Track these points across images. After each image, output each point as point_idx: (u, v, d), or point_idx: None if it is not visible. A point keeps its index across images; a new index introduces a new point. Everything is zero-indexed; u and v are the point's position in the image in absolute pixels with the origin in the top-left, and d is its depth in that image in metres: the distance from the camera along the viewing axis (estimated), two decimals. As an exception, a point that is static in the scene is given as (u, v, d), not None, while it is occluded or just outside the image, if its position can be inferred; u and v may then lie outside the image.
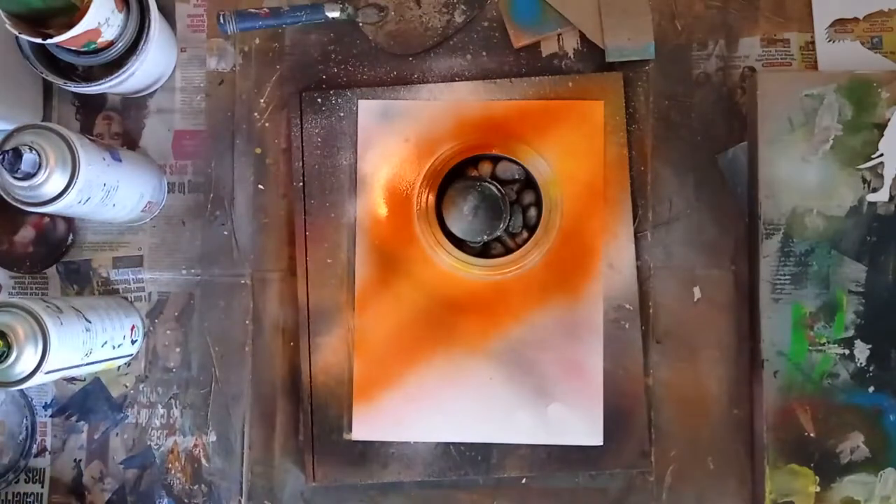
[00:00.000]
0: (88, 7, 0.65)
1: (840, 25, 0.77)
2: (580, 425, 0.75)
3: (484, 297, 0.76)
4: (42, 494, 0.78)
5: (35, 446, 0.79)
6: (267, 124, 0.79)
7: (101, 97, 0.80)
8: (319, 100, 0.78)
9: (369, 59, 0.79)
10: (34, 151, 0.63)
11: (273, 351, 0.78)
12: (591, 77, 0.77)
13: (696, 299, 0.76)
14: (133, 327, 0.76)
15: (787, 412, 0.72)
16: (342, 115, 0.77)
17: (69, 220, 0.79)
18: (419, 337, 0.76)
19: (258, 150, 0.79)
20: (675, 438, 0.76)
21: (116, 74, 0.72)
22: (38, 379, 0.65)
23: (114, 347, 0.73)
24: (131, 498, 0.78)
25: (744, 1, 0.78)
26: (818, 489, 0.72)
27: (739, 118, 0.77)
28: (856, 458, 0.72)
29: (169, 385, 0.79)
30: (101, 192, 0.68)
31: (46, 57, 0.72)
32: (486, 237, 0.74)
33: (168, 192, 0.79)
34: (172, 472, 0.78)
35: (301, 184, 0.77)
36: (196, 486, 0.78)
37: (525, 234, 0.76)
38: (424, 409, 0.75)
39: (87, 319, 0.69)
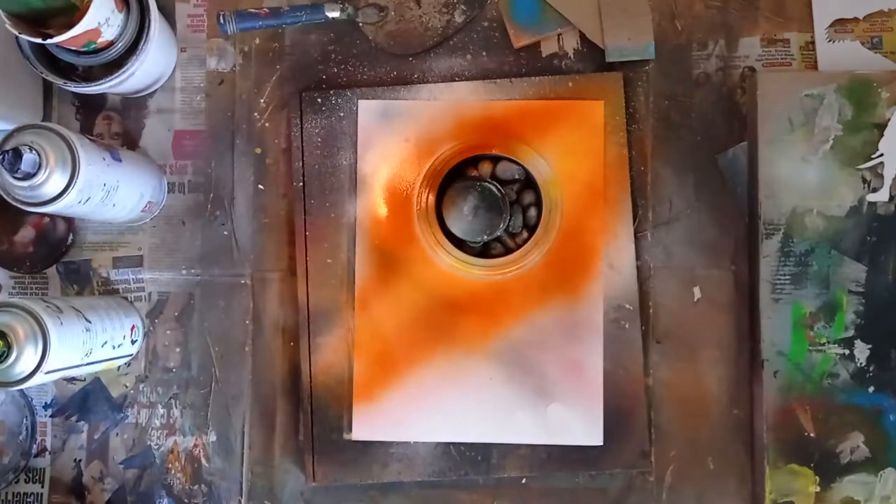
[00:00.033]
0: (88, 7, 0.65)
1: (840, 25, 0.77)
2: (580, 425, 0.75)
3: (484, 297, 0.76)
4: (42, 494, 0.78)
5: (35, 446, 0.79)
6: (267, 124, 0.79)
7: (101, 97, 0.80)
8: (319, 100, 0.78)
9: (369, 59, 0.79)
10: (34, 151, 0.63)
11: (273, 351, 0.78)
12: (591, 77, 0.77)
13: (696, 299, 0.76)
14: (133, 327, 0.76)
15: (787, 412, 0.72)
16: (342, 115, 0.77)
17: (69, 220, 0.79)
18: (419, 337, 0.76)
19: (258, 150, 0.79)
20: (675, 438, 0.76)
21: (116, 74, 0.72)
22: (38, 379, 0.65)
23: (114, 347, 0.73)
24: (131, 498, 0.78)
25: (744, 1, 0.78)
26: (818, 489, 0.72)
27: (739, 118, 0.77)
28: (856, 458, 0.72)
29: (169, 385, 0.79)
30: (101, 192, 0.68)
31: (46, 57, 0.72)
32: (486, 237, 0.74)
33: (168, 192, 0.79)
34: (172, 472, 0.78)
35: (301, 184, 0.77)
36: (196, 486, 0.78)
37: (525, 234, 0.76)
38: (424, 409, 0.75)
39: (87, 319, 0.69)
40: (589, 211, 0.75)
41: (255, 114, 0.79)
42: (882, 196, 0.72)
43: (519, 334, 0.75)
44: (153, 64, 0.75)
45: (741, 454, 0.75)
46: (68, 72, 0.73)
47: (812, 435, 0.72)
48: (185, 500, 0.78)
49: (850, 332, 0.72)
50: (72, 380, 0.79)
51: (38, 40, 0.66)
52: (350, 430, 0.76)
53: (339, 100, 0.77)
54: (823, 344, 0.72)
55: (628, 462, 0.75)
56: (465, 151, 0.76)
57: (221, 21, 0.76)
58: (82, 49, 0.69)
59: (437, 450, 0.76)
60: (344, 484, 0.76)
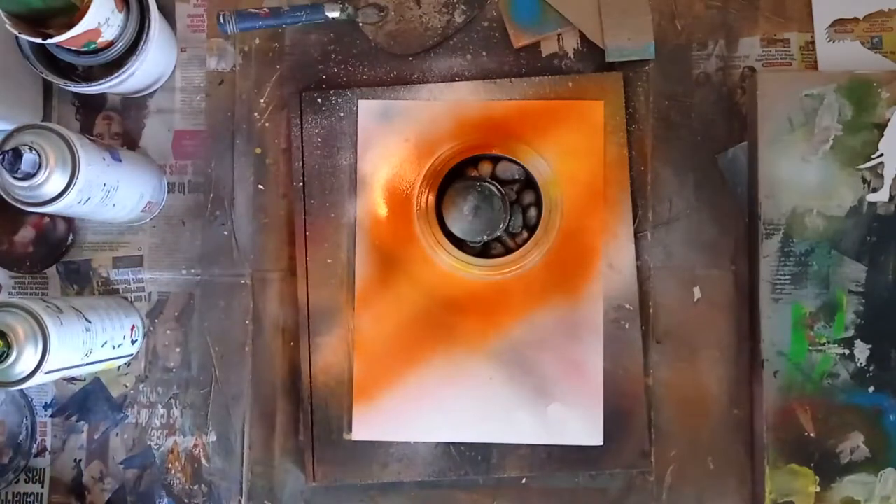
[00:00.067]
0: (88, 7, 0.65)
1: (840, 25, 0.77)
2: (580, 425, 0.75)
3: (484, 297, 0.76)
4: (42, 494, 0.78)
5: (35, 446, 0.79)
6: (267, 124, 0.79)
7: (101, 97, 0.80)
8: (319, 100, 0.78)
9: (369, 59, 0.79)
10: (34, 151, 0.63)
11: (273, 351, 0.78)
12: (591, 77, 0.77)
13: (696, 299, 0.76)
14: (133, 327, 0.76)
15: (787, 412, 0.72)
16: (342, 115, 0.77)
17: (69, 220, 0.79)
18: (419, 337, 0.76)
19: (258, 150, 0.79)
20: (675, 438, 0.76)
21: (116, 74, 0.72)
22: (38, 379, 0.65)
23: (114, 347, 0.73)
24: (131, 498, 0.78)
25: (744, 1, 0.78)
26: (818, 489, 0.72)
27: (739, 118, 0.77)
28: (856, 458, 0.72)
29: (169, 385, 0.79)
30: (101, 192, 0.68)
31: (46, 57, 0.72)
32: (486, 237, 0.74)
33: (168, 192, 0.79)
34: (172, 472, 0.78)
35: (301, 184, 0.77)
36: (196, 486, 0.78)
37: (525, 234, 0.76)
38: (424, 409, 0.75)
39: (87, 319, 0.69)
40: (589, 211, 0.75)
41: (255, 114, 0.79)
42: (882, 196, 0.72)
43: (519, 334, 0.75)
44: (153, 64, 0.75)
45: (741, 454, 0.75)
46: (68, 72, 0.73)
47: (812, 435, 0.72)
48: (185, 500, 0.78)
49: (850, 332, 0.72)
50: (72, 380, 0.79)
51: (38, 40, 0.66)
52: (350, 430, 0.76)
53: (339, 100, 0.77)
54: (823, 344, 0.72)
55: (628, 462, 0.75)
56: (465, 151, 0.76)
57: (221, 21, 0.76)
58: (82, 49, 0.69)
59: (437, 450, 0.76)
60: (344, 484, 0.76)
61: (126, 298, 0.79)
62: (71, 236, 0.79)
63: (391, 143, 0.77)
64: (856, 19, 0.77)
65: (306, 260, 0.77)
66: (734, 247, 0.76)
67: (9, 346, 0.63)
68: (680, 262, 0.77)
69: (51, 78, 0.72)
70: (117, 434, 0.78)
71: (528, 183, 0.77)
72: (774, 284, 0.73)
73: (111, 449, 0.78)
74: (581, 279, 0.75)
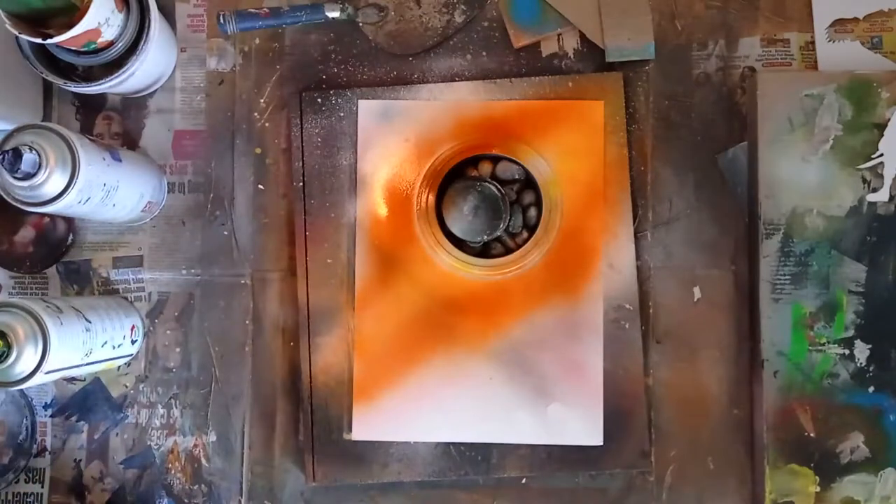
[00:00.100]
0: (88, 7, 0.65)
1: (840, 25, 0.77)
2: (580, 425, 0.75)
3: (484, 297, 0.76)
4: (42, 494, 0.78)
5: (35, 446, 0.79)
6: (267, 124, 0.79)
7: (101, 97, 0.80)
8: (319, 100, 0.78)
9: (369, 59, 0.79)
10: (34, 151, 0.63)
11: (273, 351, 0.78)
12: (591, 77, 0.77)
13: (696, 299, 0.76)
14: (133, 327, 0.76)
15: (787, 412, 0.72)
16: (342, 115, 0.77)
17: (69, 220, 0.79)
18: (419, 337, 0.76)
19: (258, 150, 0.79)
20: (675, 438, 0.76)
21: (116, 74, 0.72)
22: (38, 379, 0.65)
23: (114, 347, 0.73)
24: (131, 498, 0.78)
25: (744, 1, 0.78)
26: (818, 489, 0.72)
27: (739, 118, 0.77)
28: (856, 458, 0.72)
29: (169, 385, 0.79)
30: (101, 192, 0.68)
31: (46, 57, 0.72)
32: (486, 237, 0.74)
33: (168, 192, 0.79)
34: (172, 472, 0.78)
35: (301, 184, 0.77)
36: (196, 486, 0.78)
37: (525, 234, 0.76)
38: (424, 409, 0.75)
39: (87, 319, 0.69)
40: (589, 211, 0.75)
41: (255, 114, 0.79)
42: (882, 196, 0.72)
43: (519, 334, 0.75)
44: (153, 64, 0.75)
45: (741, 454, 0.75)
46: (68, 72, 0.73)
47: (812, 435, 0.72)
48: (185, 500, 0.78)
49: (850, 332, 0.72)
50: (72, 380, 0.79)
51: (38, 40, 0.66)
52: (350, 430, 0.76)
53: (339, 100, 0.77)
54: (823, 344, 0.72)
55: (628, 462, 0.75)
56: (465, 151, 0.76)
57: (221, 21, 0.76)
58: (82, 49, 0.69)
59: (437, 450, 0.76)
60: (344, 484, 0.76)
61: (126, 298, 0.79)
62: (71, 236, 0.79)
63: (391, 143, 0.77)
64: (856, 19, 0.77)
65: (306, 260, 0.77)
66: (734, 247, 0.76)
67: (9, 346, 0.63)
68: (680, 262, 0.77)
69: (51, 78, 0.72)
70: (117, 434, 0.78)
71: (528, 183, 0.77)
72: (774, 284, 0.73)
73: (111, 449, 0.78)
74: (581, 279, 0.75)
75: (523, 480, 0.76)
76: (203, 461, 0.78)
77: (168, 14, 0.79)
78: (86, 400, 0.79)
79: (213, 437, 0.78)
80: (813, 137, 0.72)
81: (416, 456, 0.76)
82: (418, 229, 0.76)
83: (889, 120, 0.72)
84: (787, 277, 0.72)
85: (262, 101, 0.79)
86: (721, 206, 0.77)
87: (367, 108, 0.77)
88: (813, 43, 0.77)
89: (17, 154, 0.62)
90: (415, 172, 0.76)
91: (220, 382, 0.78)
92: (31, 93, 0.78)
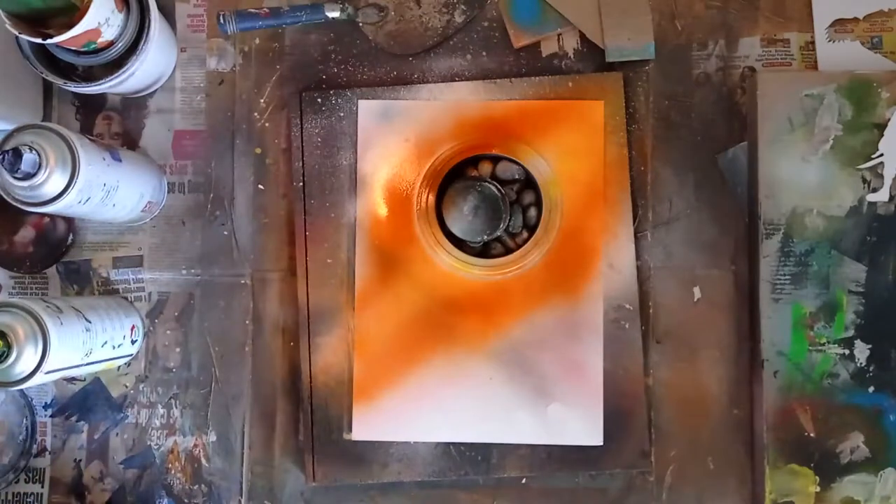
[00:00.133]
0: (88, 7, 0.65)
1: (840, 25, 0.77)
2: (580, 425, 0.75)
3: (484, 297, 0.76)
4: (42, 494, 0.78)
5: (35, 446, 0.79)
6: (267, 124, 0.79)
7: (101, 97, 0.80)
8: (319, 100, 0.78)
9: (369, 59, 0.79)
10: (34, 151, 0.63)
11: (273, 351, 0.78)
12: (591, 77, 0.77)
13: (696, 299, 0.76)
14: (133, 327, 0.76)
15: (787, 412, 0.72)
16: (342, 115, 0.77)
17: (69, 220, 0.79)
18: (419, 337, 0.76)
19: (258, 150, 0.79)
20: (675, 438, 0.76)
21: (116, 74, 0.72)
22: (38, 379, 0.65)
23: (114, 347, 0.73)
24: (131, 498, 0.78)
25: (744, 1, 0.78)
26: (818, 489, 0.72)
27: (739, 118, 0.77)
28: (856, 458, 0.72)
29: (169, 385, 0.79)
30: (101, 192, 0.68)
31: (46, 57, 0.72)
32: (486, 237, 0.74)
33: (168, 192, 0.79)
34: (172, 472, 0.78)
35: (301, 184, 0.77)
36: (196, 486, 0.78)
37: (525, 234, 0.76)
38: (424, 409, 0.75)
39: (87, 319, 0.69)
40: (589, 211, 0.75)
41: (255, 114, 0.79)
42: (882, 196, 0.72)
43: (519, 334, 0.75)
44: (153, 64, 0.75)
45: (741, 454, 0.75)
46: (68, 72, 0.73)
47: (812, 435, 0.72)
48: (185, 500, 0.78)
49: (850, 332, 0.72)
50: (72, 380, 0.79)
51: (38, 40, 0.66)
52: (350, 430, 0.76)
53: (339, 100, 0.77)
54: (823, 344, 0.72)
55: (628, 462, 0.75)
56: (465, 151, 0.76)
57: (221, 21, 0.76)
58: (82, 49, 0.69)
59: (437, 450, 0.76)
60: (344, 484, 0.76)
61: (126, 298, 0.79)
62: (71, 236, 0.79)
63: (391, 143, 0.77)
64: (856, 19, 0.77)
65: (306, 260, 0.77)
66: (734, 247, 0.76)
67: (9, 346, 0.63)
68: (680, 262, 0.77)
69: (51, 78, 0.72)
70: (117, 434, 0.78)
71: (528, 183, 0.77)
72: (774, 284, 0.73)
73: (111, 449, 0.78)
74: (581, 279, 0.75)
75: (523, 480, 0.76)
76: (203, 461, 0.78)
77: (168, 14, 0.79)
78: (86, 400, 0.79)
79: (213, 437, 0.78)
80: (813, 137, 0.72)
81: (416, 456, 0.76)
82: (418, 229, 0.76)
83: (889, 120, 0.72)
84: (787, 277, 0.73)
85: (262, 101, 0.79)
86: (721, 206, 0.77)
87: (367, 108, 0.77)
88: (813, 43, 0.77)
89: (17, 154, 0.62)
90: (415, 172, 0.76)
91: (220, 382, 0.78)
92: (31, 93, 0.78)
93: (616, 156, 0.76)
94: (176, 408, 0.78)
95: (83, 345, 0.68)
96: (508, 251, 0.76)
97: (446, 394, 0.75)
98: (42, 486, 0.78)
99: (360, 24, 0.79)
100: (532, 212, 0.76)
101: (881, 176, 0.72)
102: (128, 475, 0.78)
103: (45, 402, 0.79)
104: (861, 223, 0.72)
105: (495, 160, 0.76)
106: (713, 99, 0.77)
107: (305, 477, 0.76)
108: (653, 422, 0.76)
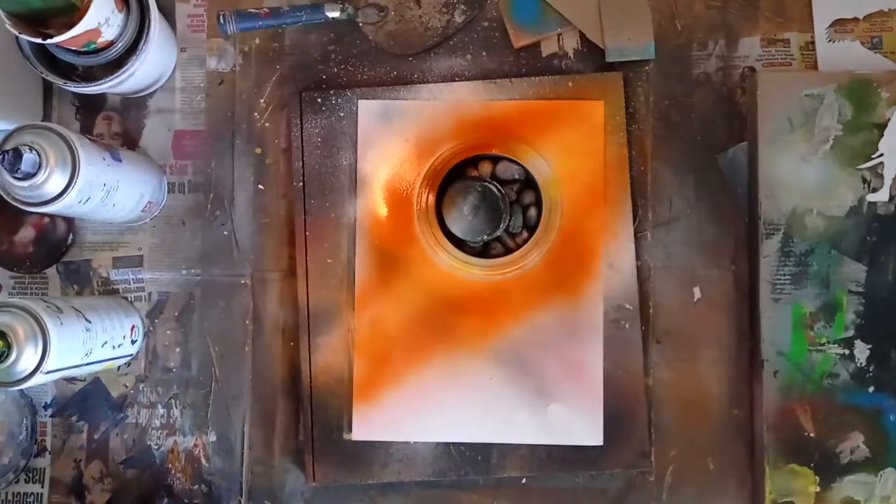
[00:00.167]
0: (88, 7, 0.65)
1: (840, 25, 0.77)
2: (580, 425, 0.75)
3: (484, 297, 0.76)
4: (42, 494, 0.78)
5: (35, 446, 0.78)
6: (267, 124, 0.79)
7: (101, 97, 0.80)
8: (319, 100, 0.78)
9: (369, 59, 0.79)
10: (34, 151, 0.63)
11: (273, 351, 0.78)
12: (591, 77, 0.77)
13: (696, 299, 0.76)
14: (133, 327, 0.76)
15: (787, 412, 0.72)
16: (342, 115, 0.77)
17: (69, 220, 0.79)
18: (419, 337, 0.76)
19: (258, 150, 0.79)
20: (675, 438, 0.76)
21: (116, 74, 0.72)
22: (38, 379, 0.65)
23: (114, 347, 0.73)
24: (131, 498, 0.78)
25: (744, 1, 0.78)
26: (818, 489, 0.72)
27: (739, 118, 0.77)
28: (856, 458, 0.72)
29: (169, 385, 0.79)
30: (101, 192, 0.68)
31: (46, 57, 0.72)
32: (486, 237, 0.74)
33: (168, 192, 0.79)
34: (172, 472, 0.78)
35: (301, 184, 0.77)
36: (196, 486, 0.78)
37: (525, 234, 0.76)
38: (424, 409, 0.75)
39: (87, 319, 0.69)
40: (589, 211, 0.75)
41: (255, 114, 0.79)
42: (882, 196, 0.72)
43: (519, 334, 0.75)
44: (153, 64, 0.75)
45: (741, 454, 0.75)
46: (68, 72, 0.73)
47: (812, 435, 0.72)
48: (185, 500, 0.78)
49: (850, 332, 0.72)
50: (72, 380, 0.79)
51: (38, 40, 0.66)
52: (350, 430, 0.76)
53: (339, 100, 0.77)
54: (823, 344, 0.72)
55: (628, 462, 0.75)
56: (465, 151, 0.76)
57: (221, 21, 0.76)
58: (82, 49, 0.69)
59: (437, 450, 0.76)
60: (344, 484, 0.76)
61: (126, 298, 0.79)
62: (71, 236, 0.79)
63: (391, 143, 0.77)
64: (856, 19, 0.77)
65: (306, 260, 0.77)
66: (734, 247, 0.76)
67: (9, 346, 0.63)
68: (680, 262, 0.77)
69: (51, 78, 0.72)
70: (117, 434, 0.78)
71: (528, 183, 0.77)
72: (774, 284, 0.73)
73: (111, 449, 0.78)
74: (581, 279, 0.75)
75: (523, 480, 0.76)
76: (203, 461, 0.78)
77: (168, 14, 0.79)
78: (86, 400, 0.79)
79: (213, 437, 0.78)
80: (813, 137, 0.72)
81: (416, 456, 0.76)
82: (418, 229, 0.76)
83: (889, 120, 0.72)
84: (787, 277, 0.72)
85: (262, 101, 0.79)
86: (721, 206, 0.77)
87: (367, 108, 0.77)
88: (813, 43, 0.77)
89: (17, 154, 0.62)
90: (415, 172, 0.76)
91: (220, 382, 0.78)
92: (31, 93, 0.78)
93: (616, 156, 0.76)
94: (176, 408, 0.78)
95: (83, 345, 0.68)
96: (508, 251, 0.76)
97: (446, 394, 0.75)
98: (42, 486, 0.78)
99: (360, 24, 0.79)
100: (532, 212, 0.76)
101: (881, 176, 0.72)
102: (128, 475, 0.78)
103: (45, 402, 0.79)
104: (861, 223, 0.72)
105: (495, 160, 0.76)
106: (713, 99, 0.77)
107: (305, 477, 0.76)
108: (653, 422, 0.76)
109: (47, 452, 0.79)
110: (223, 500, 0.77)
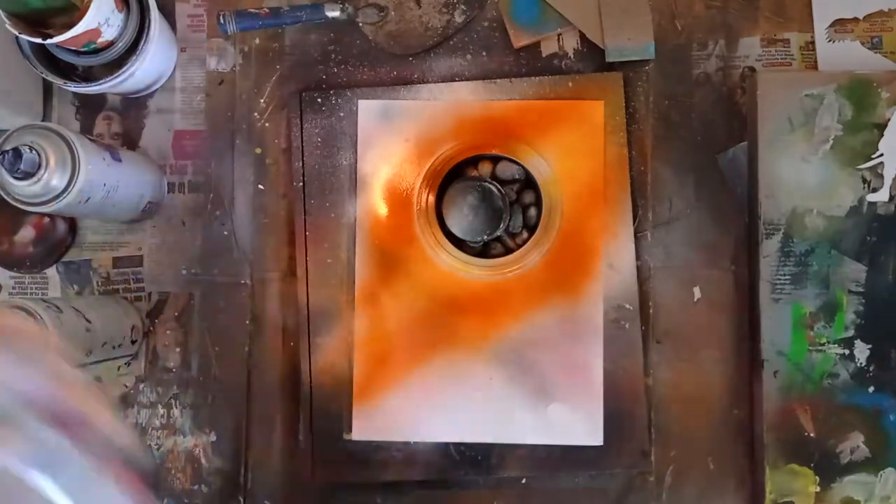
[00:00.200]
0: (88, 7, 0.65)
1: (840, 25, 0.77)
2: (580, 425, 0.75)
3: (484, 297, 0.76)
4: (42, 494, 0.78)
5: (35, 446, 0.78)
6: (267, 124, 0.79)
7: (101, 97, 0.80)
8: (319, 100, 0.78)
9: (369, 59, 0.79)
10: (34, 151, 0.63)
11: (273, 351, 0.78)
12: (591, 77, 0.77)
13: (696, 299, 0.76)
14: (133, 327, 0.76)
15: (787, 412, 0.72)
16: (342, 115, 0.77)
17: (69, 220, 0.79)
18: (419, 337, 0.76)
19: (258, 150, 0.79)
20: (675, 438, 0.76)
21: (116, 74, 0.72)
22: (38, 379, 0.64)
23: (114, 347, 0.73)
24: (131, 498, 0.78)
25: (744, 1, 0.78)
26: (818, 489, 0.72)
27: (739, 118, 0.77)
28: (856, 458, 0.72)
29: (169, 385, 0.79)
30: (101, 192, 0.68)
31: (46, 57, 0.72)
32: (486, 237, 0.74)
33: (168, 192, 0.79)
34: (172, 472, 0.78)
35: (301, 184, 0.77)
36: (196, 486, 0.78)
37: (525, 234, 0.76)
38: (424, 409, 0.75)
39: (87, 319, 0.69)
40: (589, 211, 0.75)
41: (255, 114, 0.79)
42: (882, 196, 0.72)
43: (519, 334, 0.75)
44: (153, 64, 0.75)
45: (741, 454, 0.75)
46: (68, 72, 0.73)
47: (812, 435, 0.72)
48: (185, 500, 0.78)
49: (850, 332, 0.72)
50: (72, 380, 0.78)
51: (38, 40, 0.66)
52: (350, 430, 0.76)
53: (339, 100, 0.77)
54: (823, 344, 0.72)
55: (628, 462, 0.75)
56: (465, 151, 0.76)
57: (221, 21, 0.76)
58: (82, 49, 0.69)
59: (437, 450, 0.76)
60: (344, 484, 0.76)
61: (126, 298, 0.79)
62: (71, 236, 0.79)
63: (391, 143, 0.77)
64: (856, 19, 0.77)
65: (306, 260, 0.77)
66: (734, 247, 0.76)
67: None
68: (680, 262, 0.77)
69: (51, 78, 0.72)
70: (117, 434, 0.78)
71: (528, 183, 0.77)
72: (774, 284, 0.73)
73: (111, 449, 0.78)
74: (581, 279, 0.75)
75: (523, 480, 0.76)
76: (203, 461, 0.78)
77: (168, 14, 0.79)
78: (86, 400, 0.79)
79: (213, 437, 0.78)
80: (813, 137, 0.72)
81: (416, 456, 0.76)
82: (418, 229, 0.76)
83: (889, 120, 0.72)
84: (787, 277, 0.73)
85: (262, 101, 0.79)
86: (721, 206, 0.77)
87: (367, 108, 0.77)
88: (813, 43, 0.77)
89: (17, 154, 0.62)
90: (415, 172, 0.76)
91: (220, 382, 0.78)
92: (31, 93, 0.78)
93: (616, 156, 0.76)
94: (176, 408, 0.78)
95: (83, 345, 0.68)
96: (508, 251, 0.76)
97: (446, 394, 0.75)
98: (42, 486, 0.78)
99: (360, 24, 0.79)
100: (532, 212, 0.76)
101: (881, 176, 0.72)
102: (128, 475, 0.78)
103: (45, 402, 0.79)
104: (861, 223, 0.72)
105: (495, 160, 0.76)
106: (713, 99, 0.77)
107: (305, 477, 0.76)
108: (653, 422, 0.76)
109: (47, 452, 0.78)
110: (223, 500, 0.77)
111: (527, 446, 0.75)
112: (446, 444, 0.76)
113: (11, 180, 0.63)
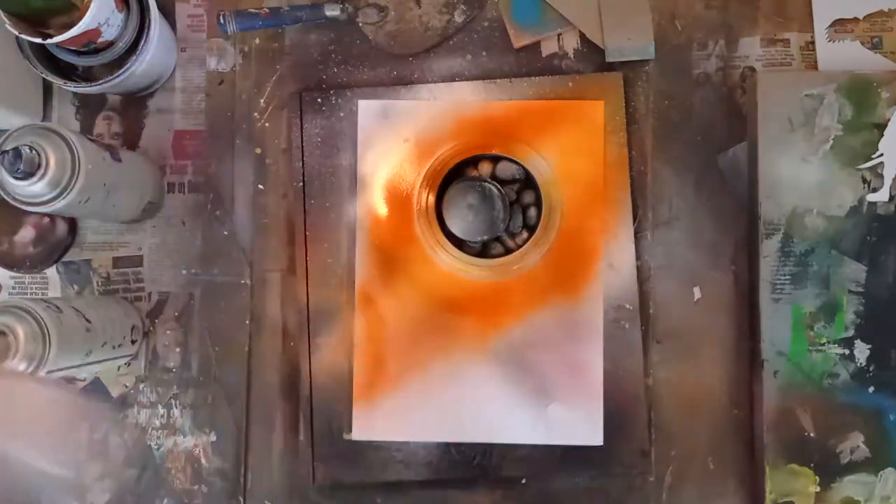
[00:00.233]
0: (88, 7, 0.65)
1: (840, 25, 0.77)
2: (580, 425, 0.75)
3: (484, 298, 0.76)
4: (42, 494, 0.78)
5: (35, 446, 0.78)
6: (267, 124, 0.79)
7: (101, 97, 0.80)
8: (319, 100, 0.78)
9: (369, 59, 0.79)
10: (34, 151, 0.63)
11: (273, 351, 0.78)
12: (591, 77, 0.77)
13: (696, 299, 0.76)
14: (133, 327, 0.76)
15: (787, 412, 0.72)
16: (342, 115, 0.77)
17: (69, 220, 0.79)
18: (419, 337, 0.76)
19: (258, 150, 0.79)
20: (675, 438, 0.76)
21: (116, 74, 0.72)
22: (38, 379, 0.65)
23: (114, 347, 0.73)
24: (131, 498, 0.78)
25: (744, 1, 0.78)
26: (818, 489, 0.72)
27: (739, 118, 0.77)
28: (856, 458, 0.72)
29: (169, 385, 0.79)
30: (101, 192, 0.68)
31: (46, 57, 0.72)
32: (486, 237, 0.74)
33: (168, 192, 0.79)
34: (172, 472, 0.78)
35: (301, 184, 0.77)
36: (196, 486, 0.78)
37: (525, 234, 0.76)
38: (424, 409, 0.75)
39: (87, 319, 0.69)
40: (589, 211, 0.75)
41: (255, 114, 0.79)
42: (882, 196, 0.72)
43: (519, 334, 0.75)
44: (153, 64, 0.75)
45: (741, 454, 0.75)
46: (68, 72, 0.73)
47: (812, 435, 0.72)
48: (185, 500, 0.78)
49: (850, 332, 0.72)
50: (72, 380, 0.79)
51: (38, 40, 0.66)
52: (350, 430, 0.76)
53: (339, 100, 0.77)
54: (823, 344, 0.72)
55: (628, 462, 0.75)
56: (465, 151, 0.76)
57: (221, 21, 0.76)
58: (82, 49, 0.69)
59: (437, 450, 0.76)
60: (344, 484, 0.76)
61: (126, 298, 0.79)
62: (71, 236, 0.79)
63: (391, 143, 0.77)
64: (856, 19, 0.77)
65: (306, 260, 0.77)
66: (734, 247, 0.76)
67: (8, 347, 0.63)
68: (680, 262, 0.77)
69: (51, 78, 0.72)
70: (117, 434, 0.78)
71: (528, 183, 0.77)
72: (774, 284, 0.73)
73: (111, 449, 0.78)
74: (581, 279, 0.75)
75: (523, 481, 0.76)
76: (203, 461, 0.78)
77: (168, 14, 0.79)
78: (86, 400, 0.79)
79: (213, 437, 0.78)
80: (813, 137, 0.72)
81: (416, 456, 0.76)
82: (418, 229, 0.76)
83: (889, 120, 0.72)
84: (787, 277, 0.72)
85: (262, 101, 0.79)
86: (721, 206, 0.77)
87: (367, 108, 0.77)
88: (813, 43, 0.77)
89: (17, 154, 0.62)
90: (415, 172, 0.76)
91: (220, 382, 0.78)
92: (31, 93, 0.78)
93: (616, 156, 0.76)
94: (176, 408, 0.78)
95: (83, 345, 0.68)
96: (508, 251, 0.76)
97: (446, 394, 0.75)
98: (42, 486, 0.78)
99: (360, 24, 0.79)
100: (532, 212, 0.76)
101: (881, 176, 0.72)
102: (128, 475, 0.78)
103: (45, 402, 0.79)
104: (861, 223, 0.72)
105: (495, 160, 0.76)
106: (713, 99, 0.77)
107: (305, 477, 0.76)
108: (653, 422, 0.76)
109: (47, 452, 0.79)
110: (223, 500, 0.77)
111: (527, 446, 0.75)
112: (446, 444, 0.76)
113: (11, 180, 0.63)
